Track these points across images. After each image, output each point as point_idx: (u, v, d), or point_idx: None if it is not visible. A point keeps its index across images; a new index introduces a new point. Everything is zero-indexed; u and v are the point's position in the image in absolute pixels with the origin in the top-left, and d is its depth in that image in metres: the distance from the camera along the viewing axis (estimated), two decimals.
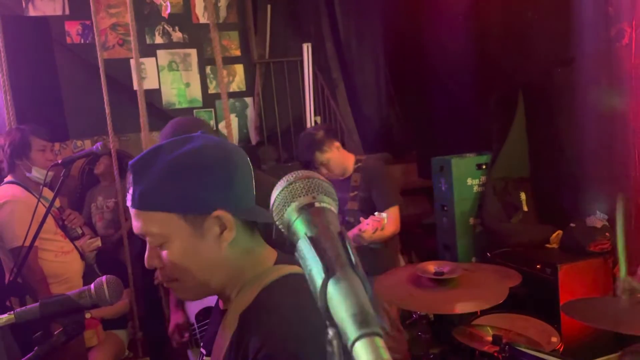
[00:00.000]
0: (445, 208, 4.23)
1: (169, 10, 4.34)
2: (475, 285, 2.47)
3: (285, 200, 0.64)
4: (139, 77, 3.32)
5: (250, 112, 5.85)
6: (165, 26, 5.47)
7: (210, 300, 1.32)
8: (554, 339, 2.60)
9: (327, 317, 0.50)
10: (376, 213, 2.50)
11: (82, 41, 5.15)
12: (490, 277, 2.68)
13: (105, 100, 3.35)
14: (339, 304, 0.48)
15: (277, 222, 0.65)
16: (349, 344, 0.45)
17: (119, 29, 5.30)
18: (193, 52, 5.59)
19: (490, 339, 2.38)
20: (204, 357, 1.06)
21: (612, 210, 3.39)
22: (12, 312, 1.05)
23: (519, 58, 3.90)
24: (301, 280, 0.98)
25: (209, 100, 5.66)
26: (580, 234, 3.35)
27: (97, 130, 4.61)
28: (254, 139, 5.81)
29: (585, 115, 3.50)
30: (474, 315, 2.95)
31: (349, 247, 0.55)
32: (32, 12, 4.98)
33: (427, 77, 5.10)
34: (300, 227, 0.60)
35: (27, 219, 2.36)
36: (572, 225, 3.46)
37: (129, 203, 0.97)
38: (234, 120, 5.77)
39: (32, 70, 3.53)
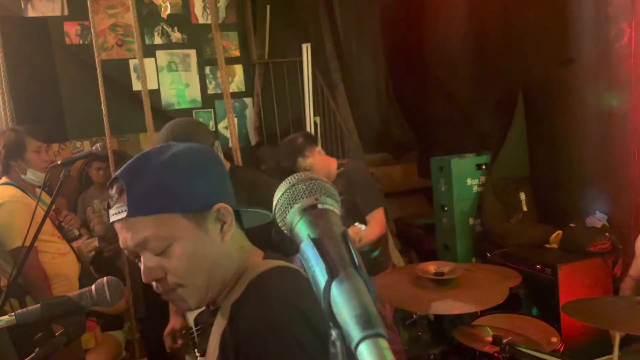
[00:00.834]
0: (445, 208, 4.23)
1: (168, 11, 4.33)
2: (475, 285, 2.47)
3: (287, 202, 0.64)
4: (144, 78, 3.30)
5: (250, 113, 5.84)
6: (164, 27, 5.46)
7: None
8: (554, 339, 2.60)
9: (330, 318, 0.50)
10: (356, 224, 2.52)
11: (81, 42, 5.14)
12: (490, 277, 2.68)
13: (102, 101, 3.35)
14: (343, 305, 0.48)
15: (279, 224, 0.65)
16: (353, 345, 0.45)
17: (118, 29, 5.29)
18: (192, 52, 5.58)
19: (490, 339, 2.38)
20: (199, 359, 1.06)
21: (611, 210, 3.40)
22: (13, 313, 1.05)
23: (519, 58, 3.91)
24: (289, 271, 1.01)
25: (208, 100, 5.66)
26: (580, 234, 3.35)
27: (96, 131, 4.59)
28: (253, 139, 5.80)
29: (585, 115, 3.51)
30: (474, 315, 2.96)
31: (352, 249, 0.55)
32: (30, 13, 4.97)
33: (427, 77, 5.11)
34: (303, 229, 0.60)
35: (26, 220, 2.35)
36: (572, 225, 3.46)
37: (122, 215, 0.92)
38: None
39: (30, 71, 3.52)
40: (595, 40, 3.36)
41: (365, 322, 0.46)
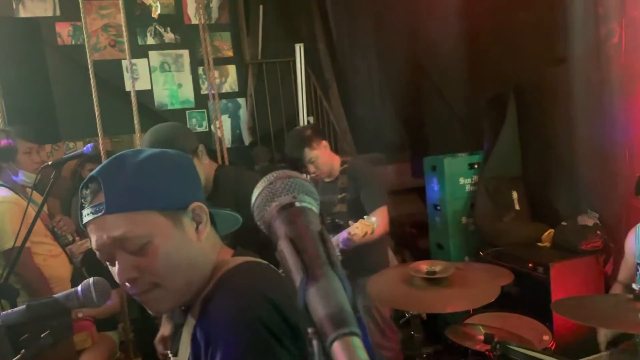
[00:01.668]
0: (438, 207, 4.24)
1: (159, 11, 4.32)
2: (468, 284, 2.47)
3: (265, 199, 0.64)
4: (133, 78, 3.30)
5: (243, 113, 5.84)
6: (157, 27, 5.46)
7: None
8: (546, 337, 2.61)
9: (306, 317, 0.50)
10: (365, 217, 2.51)
11: (73, 42, 5.13)
12: (482, 276, 2.69)
13: (94, 101, 3.33)
14: (317, 303, 0.48)
15: (258, 222, 0.65)
16: (327, 343, 0.46)
17: (110, 30, 5.28)
18: (185, 53, 5.58)
19: (482, 337, 2.38)
20: (172, 358, 1.06)
21: (602, 208, 3.41)
22: None
23: (511, 58, 3.91)
24: (258, 265, 1.02)
25: (201, 101, 5.65)
26: (571, 233, 3.36)
27: (89, 131, 4.57)
28: (247, 139, 5.80)
29: (577, 114, 3.52)
30: (466, 314, 2.96)
31: (329, 247, 0.55)
32: (22, 13, 4.96)
33: (420, 77, 5.12)
34: (281, 227, 0.60)
35: (18, 221, 2.34)
36: (564, 223, 3.47)
37: (99, 213, 0.91)
38: (226, 121, 5.76)
39: (22, 71, 3.51)
40: (586, 39, 3.37)
41: (339, 320, 0.46)
